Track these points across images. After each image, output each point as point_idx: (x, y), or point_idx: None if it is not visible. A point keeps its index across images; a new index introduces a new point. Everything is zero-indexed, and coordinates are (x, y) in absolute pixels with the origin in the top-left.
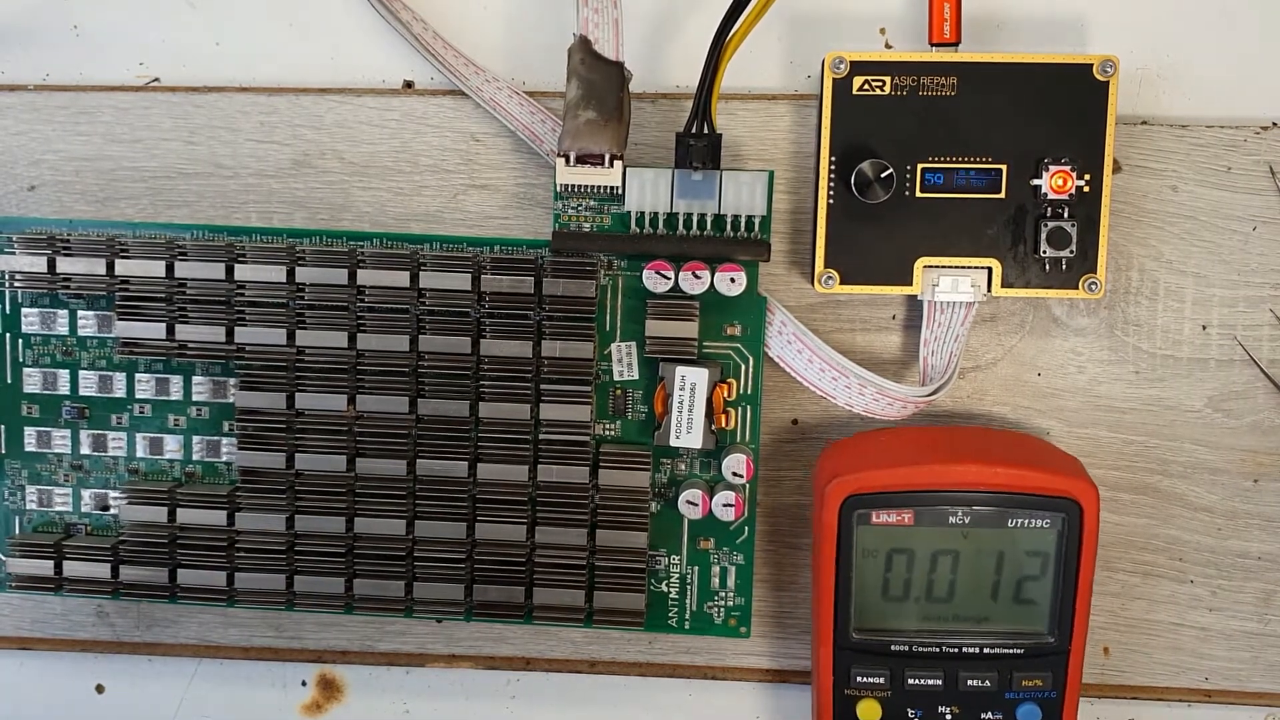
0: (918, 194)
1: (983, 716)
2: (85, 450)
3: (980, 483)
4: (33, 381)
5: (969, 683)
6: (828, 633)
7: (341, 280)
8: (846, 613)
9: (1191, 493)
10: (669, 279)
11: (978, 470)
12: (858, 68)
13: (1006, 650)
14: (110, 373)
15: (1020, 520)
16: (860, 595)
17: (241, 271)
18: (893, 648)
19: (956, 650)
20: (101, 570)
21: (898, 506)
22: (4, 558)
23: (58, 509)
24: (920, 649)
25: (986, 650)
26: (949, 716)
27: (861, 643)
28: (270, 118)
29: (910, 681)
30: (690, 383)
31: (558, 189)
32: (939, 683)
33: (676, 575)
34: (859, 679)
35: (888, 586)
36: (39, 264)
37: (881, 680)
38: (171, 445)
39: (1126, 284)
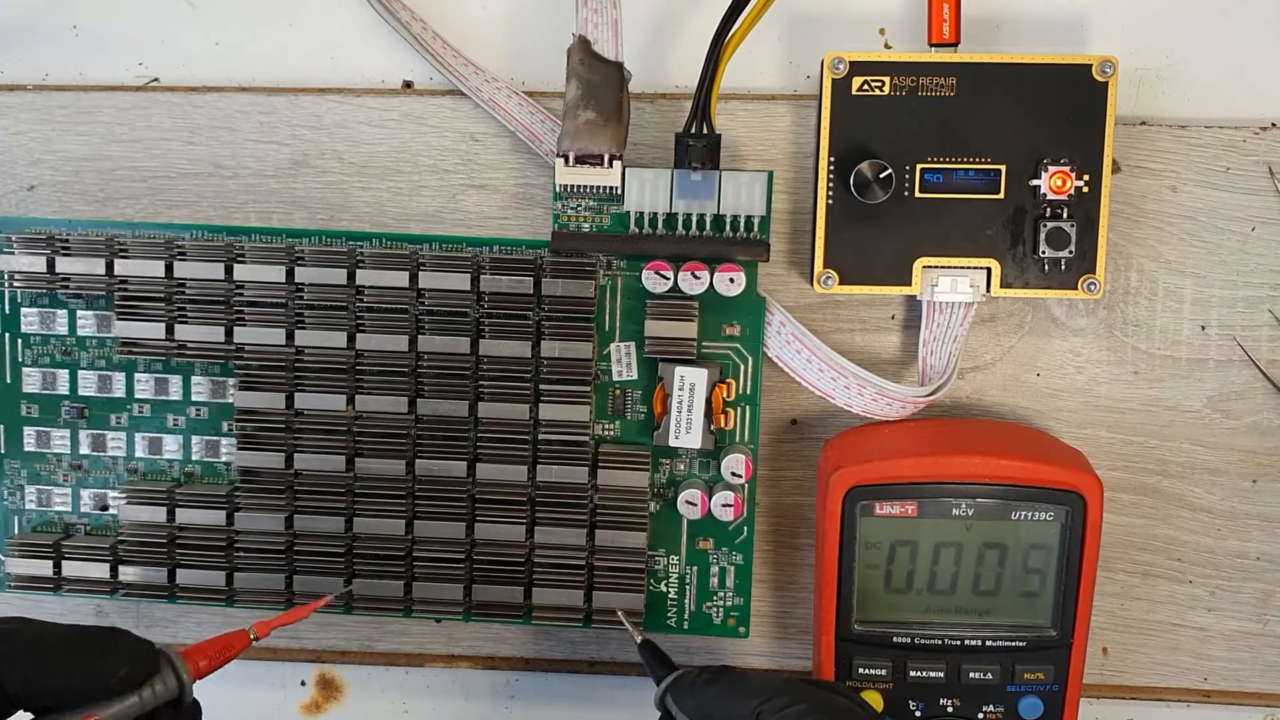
0: (917, 194)
1: (984, 709)
2: (84, 450)
3: (984, 475)
4: (32, 381)
5: (971, 675)
6: (830, 624)
7: (341, 280)
8: (849, 604)
9: (1190, 493)
10: (668, 279)
11: (982, 462)
12: (857, 68)
13: (1009, 643)
14: (109, 372)
15: (1024, 513)
16: (863, 586)
17: (241, 271)
18: (895, 639)
19: (959, 643)
20: (100, 570)
21: (901, 498)
22: (3, 558)
23: (57, 509)
24: (922, 641)
25: (989, 643)
26: (950, 709)
27: (863, 634)
28: (269, 118)
29: (912, 673)
30: (689, 383)
31: (557, 189)
32: (941, 675)
33: (675, 575)
34: (861, 670)
35: (890, 578)
36: (38, 264)
37: (883, 672)
38: (170, 445)
39: (1125, 284)
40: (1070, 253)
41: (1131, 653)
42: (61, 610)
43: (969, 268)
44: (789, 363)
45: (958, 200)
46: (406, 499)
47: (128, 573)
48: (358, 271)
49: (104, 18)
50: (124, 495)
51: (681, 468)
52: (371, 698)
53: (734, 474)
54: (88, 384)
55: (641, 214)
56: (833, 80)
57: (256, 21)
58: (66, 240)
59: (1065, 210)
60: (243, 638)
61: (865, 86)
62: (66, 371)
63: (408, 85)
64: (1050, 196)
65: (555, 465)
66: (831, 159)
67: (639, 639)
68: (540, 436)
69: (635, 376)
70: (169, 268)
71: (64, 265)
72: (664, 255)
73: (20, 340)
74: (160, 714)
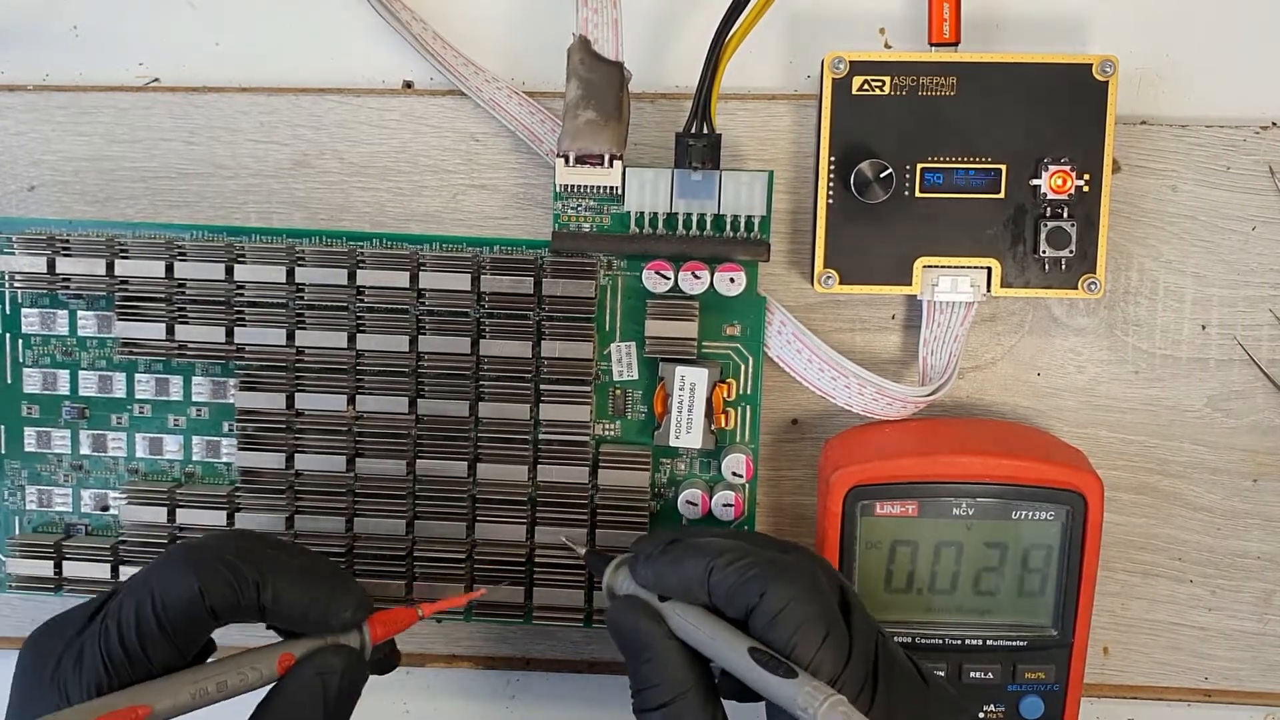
0: (917, 194)
1: (986, 709)
2: (85, 450)
3: (984, 475)
4: (33, 382)
5: (972, 675)
6: None
7: (341, 280)
8: None
9: (1191, 492)
10: (669, 279)
11: (982, 462)
12: (857, 68)
13: (1010, 643)
14: (110, 373)
15: (1024, 512)
16: (863, 586)
17: (241, 272)
18: (895, 639)
19: (960, 642)
20: (101, 570)
21: (902, 498)
22: (4, 558)
23: (58, 509)
24: (923, 640)
25: (990, 642)
26: None
27: None
28: (270, 118)
29: None
30: (690, 383)
31: (557, 189)
32: (942, 674)
33: None
34: None
35: (891, 578)
36: (39, 264)
37: None
38: (171, 445)
39: (1126, 284)
40: (1071, 252)
41: (1132, 652)
42: (62, 610)
43: (969, 267)
44: (789, 362)
45: (958, 200)
46: (407, 499)
47: (128, 573)
48: (358, 272)
49: (104, 18)
50: (125, 495)
51: (682, 468)
52: (372, 697)
53: (734, 474)
54: (88, 384)
55: (642, 214)
56: (833, 80)
57: (256, 21)
58: (67, 241)
59: (1065, 210)
60: (411, 614)
61: (865, 86)
62: (67, 372)
63: (408, 85)
64: (1050, 196)
65: (556, 465)
66: (832, 159)
67: (582, 550)
68: (541, 436)
69: (636, 376)
70: (169, 268)
71: (64, 266)
72: (664, 255)
73: (21, 341)
74: (332, 664)
